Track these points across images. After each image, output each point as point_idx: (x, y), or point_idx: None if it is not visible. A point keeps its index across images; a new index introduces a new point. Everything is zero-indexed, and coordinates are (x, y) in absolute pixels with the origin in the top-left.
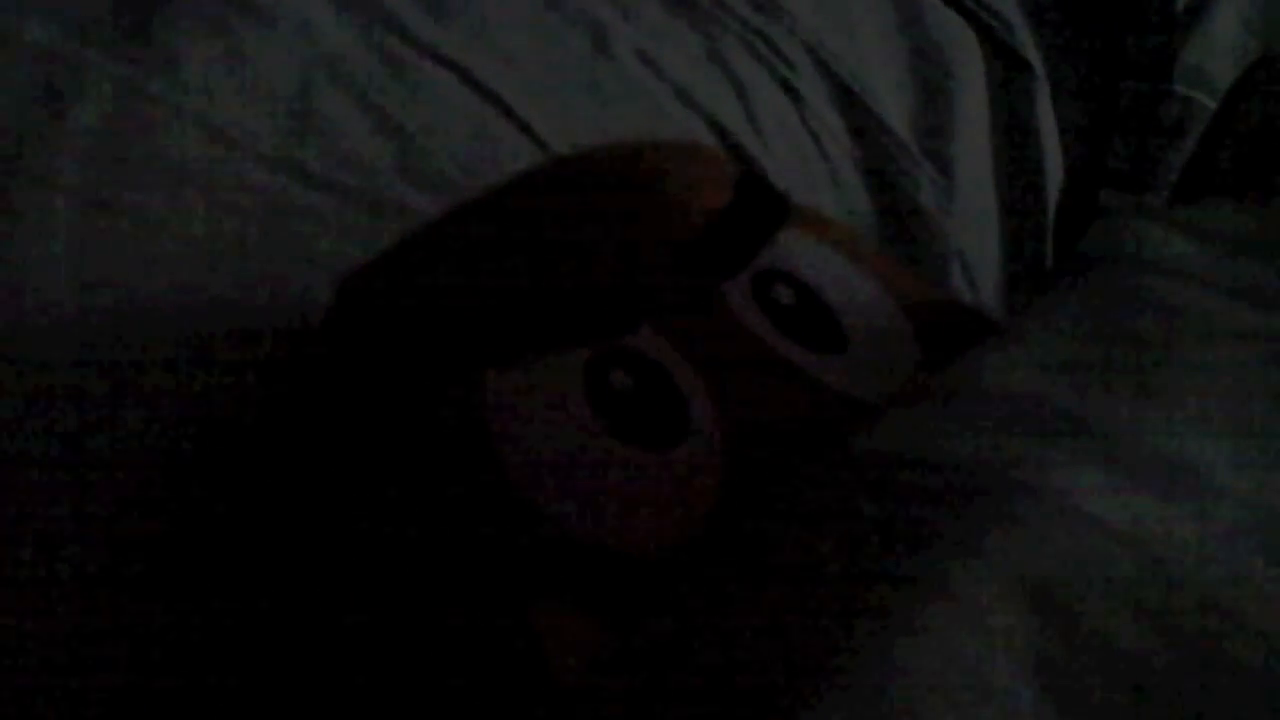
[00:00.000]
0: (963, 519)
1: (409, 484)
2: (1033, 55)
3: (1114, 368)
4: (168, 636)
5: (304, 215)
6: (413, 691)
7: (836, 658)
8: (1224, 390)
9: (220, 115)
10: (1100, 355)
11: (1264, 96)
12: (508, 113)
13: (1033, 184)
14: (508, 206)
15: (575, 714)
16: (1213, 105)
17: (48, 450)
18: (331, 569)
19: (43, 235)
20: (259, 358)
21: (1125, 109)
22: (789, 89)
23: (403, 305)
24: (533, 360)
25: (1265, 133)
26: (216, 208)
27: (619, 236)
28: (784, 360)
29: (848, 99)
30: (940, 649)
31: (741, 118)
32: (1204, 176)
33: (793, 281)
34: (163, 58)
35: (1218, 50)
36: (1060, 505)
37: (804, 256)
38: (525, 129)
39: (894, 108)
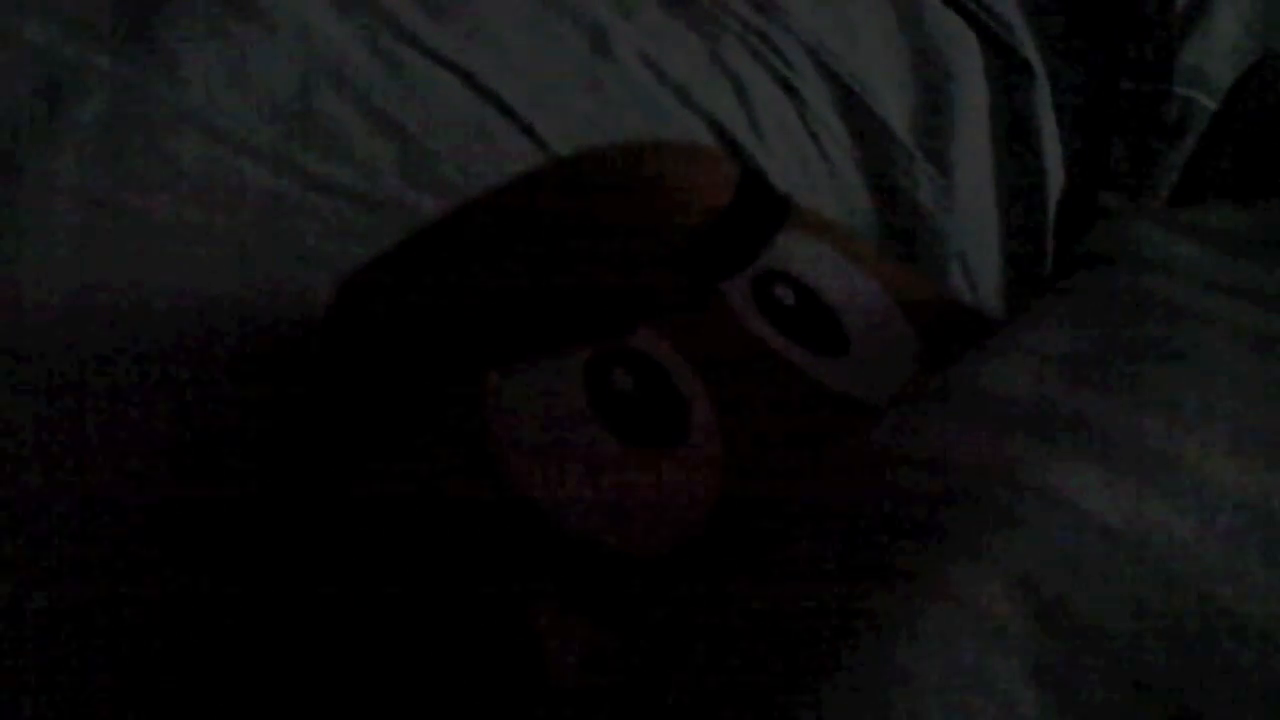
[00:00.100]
0: (963, 519)
1: (409, 483)
2: (1033, 56)
3: (1114, 368)
4: (168, 635)
5: (303, 215)
6: (412, 691)
7: (836, 659)
8: (1224, 390)
9: (220, 115)
10: (1100, 355)
11: (1264, 97)
12: (508, 113)
13: (1033, 184)
14: (508, 207)
15: (574, 714)
16: (1212, 105)
17: (48, 449)
18: (331, 568)
19: (42, 235)
20: (259, 357)
21: (1125, 110)
22: (789, 89)
23: (403, 305)
24: (533, 360)
25: (1265, 133)
26: (216, 207)
27: (619, 237)
28: (784, 361)
29: (848, 100)
30: (940, 650)
31: (741, 118)
32: (1204, 177)
33: (793, 282)
34: (162, 58)
35: (1217, 51)
36: (1060, 505)
37: (805, 257)
38: (525, 129)
39: (894, 108)
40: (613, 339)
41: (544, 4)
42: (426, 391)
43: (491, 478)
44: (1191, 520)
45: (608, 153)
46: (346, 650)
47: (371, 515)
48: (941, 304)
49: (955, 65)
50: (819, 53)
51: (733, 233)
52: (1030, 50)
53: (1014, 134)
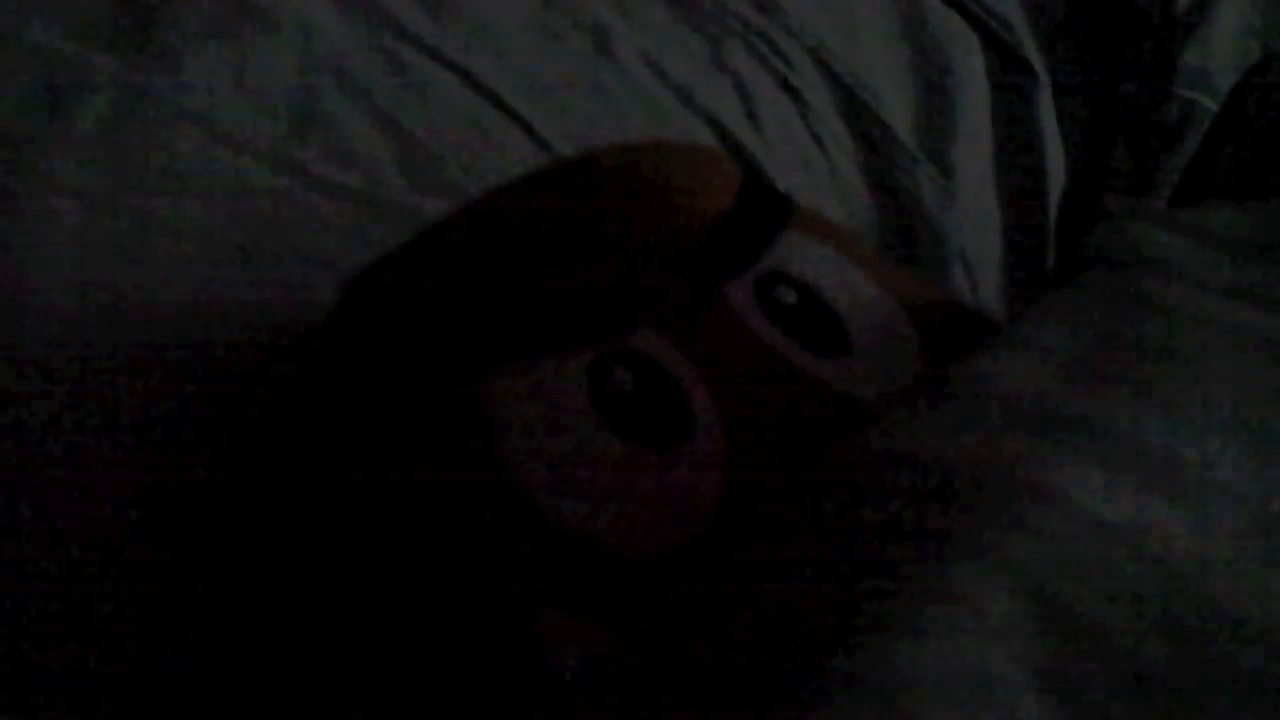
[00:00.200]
0: (965, 520)
1: (412, 483)
2: (1034, 57)
3: (1116, 368)
4: (168, 634)
5: (305, 216)
6: (414, 691)
7: (839, 659)
8: (1225, 390)
9: (222, 116)
10: (1102, 356)
11: (1265, 98)
12: (510, 114)
13: (1034, 186)
14: (510, 208)
15: (576, 714)
16: (1214, 107)
17: (49, 450)
18: (334, 568)
19: (44, 235)
20: (261, 358)
21: (1126, 111)
22: (791, 90)
23: (407, 306)
24: (536, 360)
25: (1266, 134)
26: (217, 208)
27: (622, 238)
28: (786, 362)
29: (849, 100)
30: (943, 650)
31: (743, 119)
32: (1205, 178)
33: (795, 283)
34: (164, 58)
35: (1219, 52)
36: (1062, 505)
37: (806, 258)
38: (527, 130)
39: (896, 109)
40: (615, 339)
41: (545, 4)
42: (429, 392)
43: (494, 478)
44: (1192, 520)
45: (610, 154)
46: (348, 649)
47: (374, 515)
48: (943, 305)
49: (957, 66)
50: (820, 53)
51: (735, 234)
52: (1032, 51)
53: (1015, 135)
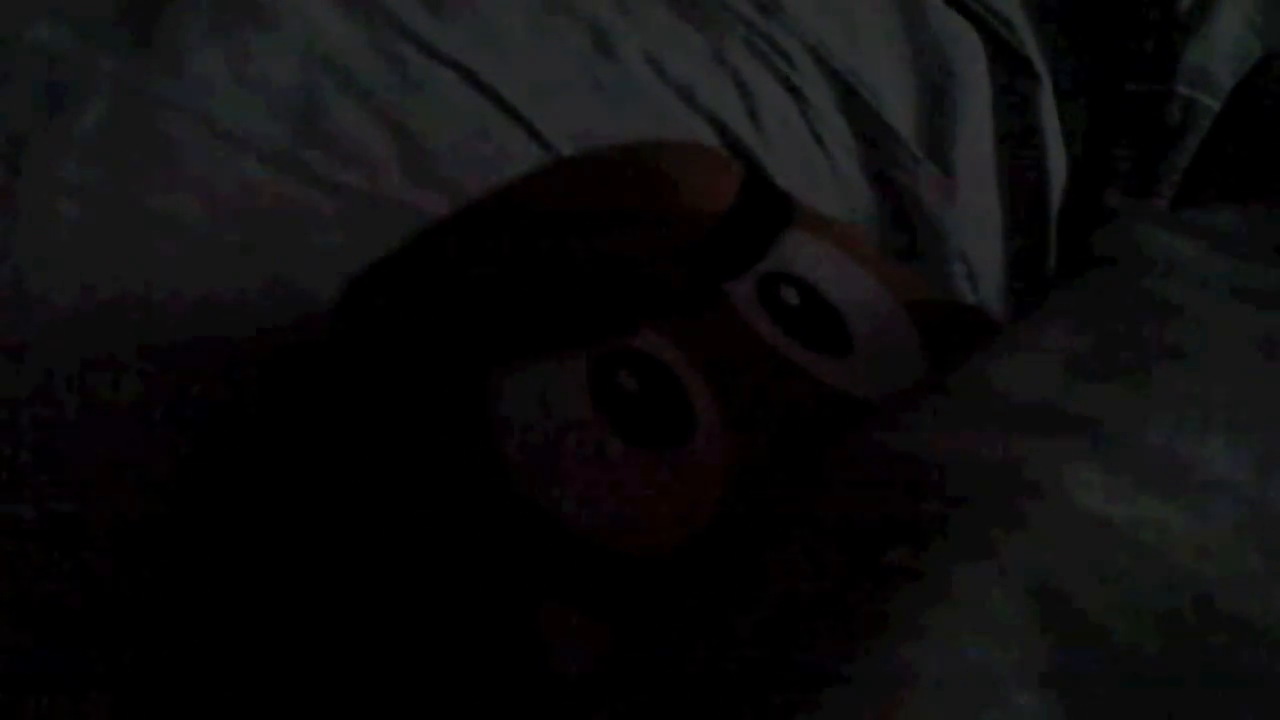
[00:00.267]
0: (967, 518)
1: (413, 482)
2: (1035, 56)
3: (1117, 368)
4: (169, 634)
5: (306, 215)
6: (415, 689)
7: (841, 658)
8: (1225, 390)
9: (223, 115)
10: (1103, 355)
11: (1267, 97)
12: (511, 113)
13: (1035, 185)
14: (512, 207)
15: (578, 713)
16: (1216, 106)
17: (49, 449)
18: (335, 567)
19: (46, 234)
20: (262, 356)
21: (1128, 110)
22: (792, 89)
23: (409, 304)
24: (538, 360)
25: (1268, 134)
26: (219, 207)
27: (624, 237)
28: (788, 361)
29: (850, 100)
30: (943, 648)
31: (744, 118)
32: (1207, 177)
33: (797, 282)
34: (166, 58)
35: (1221, 51)
36: (1064, 504)
37: (808, 258)
38: (529, 129)
39: (897, 108)
40: (617, 339)
41: (547, 3)
42: (431, 391)
43: (495, 477)
44: (1192, 518)
45: (611, 152)
46: (350, 648)
47: (376, 513)
48: (944, 304)
49: (958, 65)
50: (821, 52)
51: (737, 233)
52: (1033, 50)
53: (1017, 134)
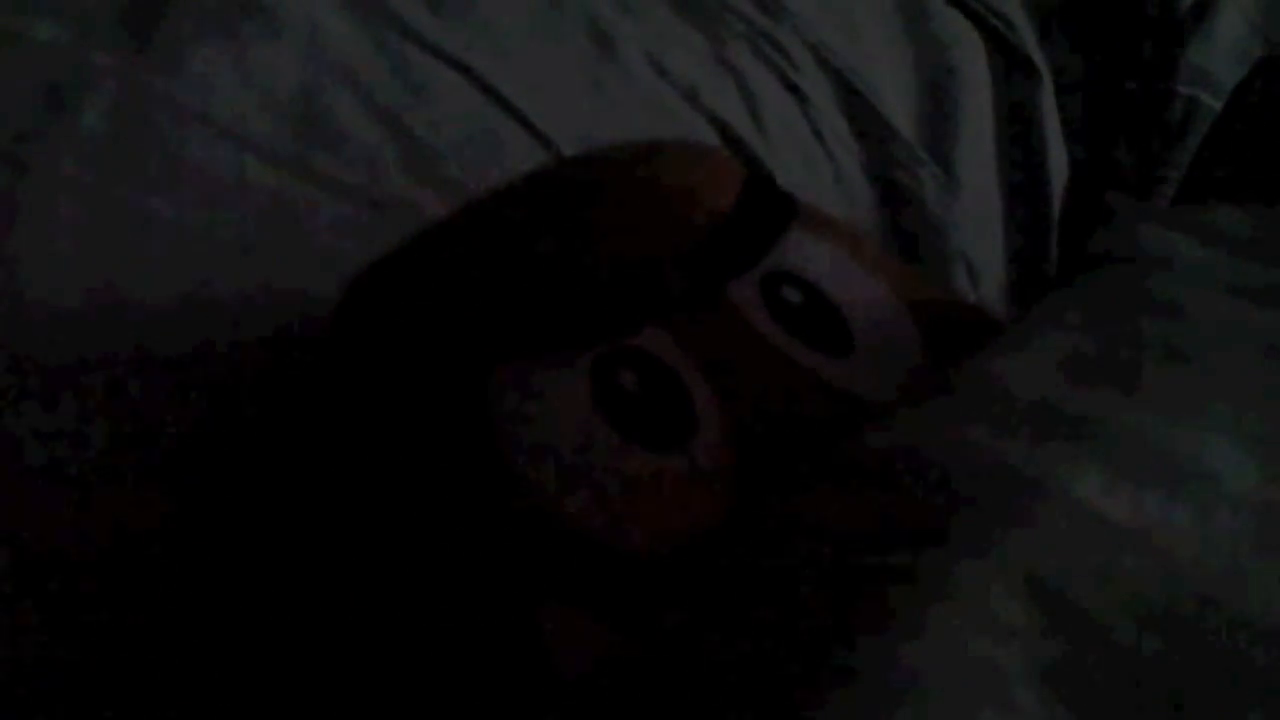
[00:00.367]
0: (968, 517)
1: (415, 482)
2: (1037, 56)
3: (1118, 367)
4: (171, 634)
5: (308, 214)
6: (418, 691)
7: (843, 658)
8: (1227, 389)
9: (225, 114)
10: (1104, 355)
11: (1268, 96)
12: (513, 112)
13: (1037, 184)
14: (514, 206)
15: (578, 711)
16: (1217, 105)
17: (50, 449)
18: (337, 567)
19: (47, 234)
20: (263, 356)
21: (1129, 109)
22: (794, 89)
23: (410, 304)
24: (539, 359)
25: (1269, 133)
26: (221, 206)
27: (625, 237)
28: (790, 361)
29: (852, 99)
30: (945, 647)
31: (746, 118)
32: (1208, 176)
33: (799, 282)
34: (168, 57)
35: (1221, 50)
36: (1065, 504)
37: (811, 257)
38: (530, 129)
39: (898, 108)
40: (619, 339)
41: (549, 3)
42: (433, 390)
43: (497, 476)
44: (1193, 517)
45: (613, 152)
46: (352, 648)
47: (377, 513)
48: (946, 303)
49: (959, 64)
50: (823, 52)
51: (739, 233)
52: (1034, 49)
53: (1018, 133)
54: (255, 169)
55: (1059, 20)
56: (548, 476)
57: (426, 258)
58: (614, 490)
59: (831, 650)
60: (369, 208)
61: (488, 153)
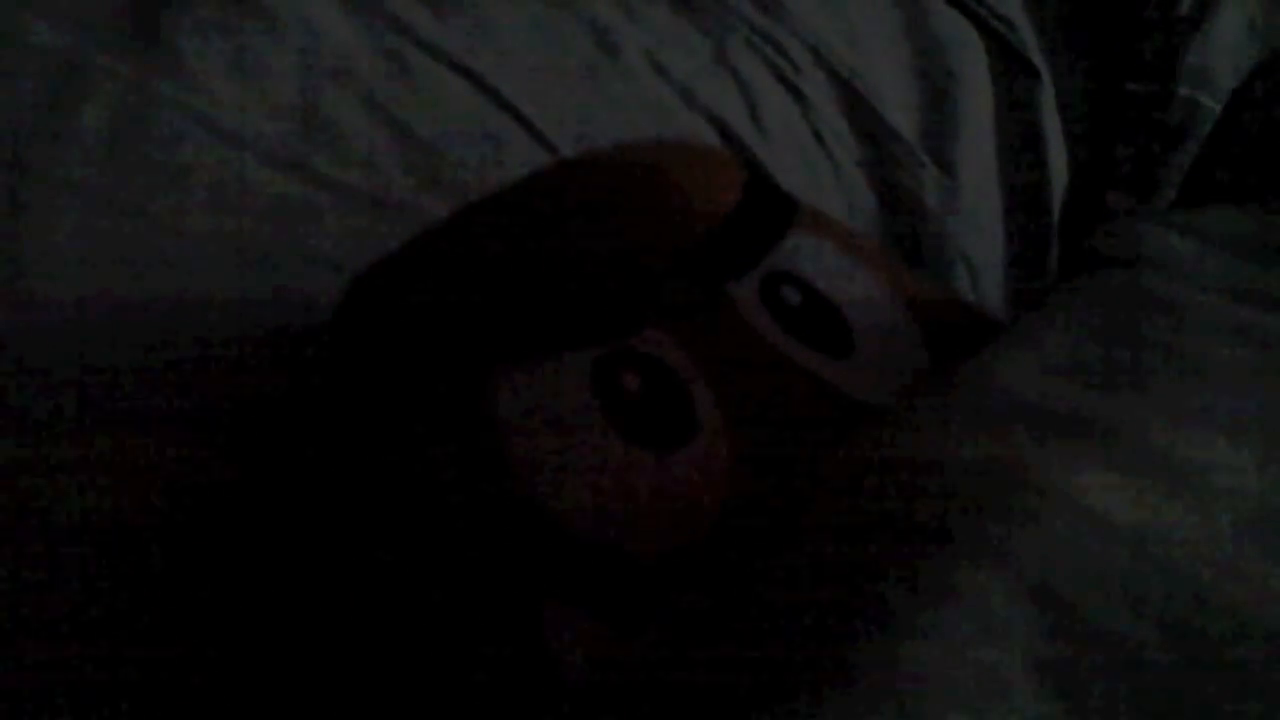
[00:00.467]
0: (968, 518)
1: (416, 482)
2: (1037, 57)
3: (1118, 368)
4: (172, 635)
5: (309, 215)
6: (419, 689)
7: (844, 659)
8: (1226, 390)
9: (226, 116)
10: (1104, 355)
11: (1268, 98)
12: (513, 114)
13: (1037, 185)
14: (515, 207)
15: (580, 712)
16: (1217, 107)
17: (50, 449)
18: (338, 567)
19: (49, 234)
20: (265, 357)
21: (1129, 111)
22: (794, 90)
23: (412, 305)
24: (541, 360)
25: (1270, 135)
26: (222, 208)
27: (626, 237)
28: (791, 362)
29: (852, 100)
30: (946, 648)
31: (746, 119)
32: (1209, 178)
33: (800, 283)
34: (169, 59)
35: (1221, 52)
36: (1066, 504)
37: (811, 258)
38: (531, 130)
39: (898, 109)
40: (619, 340)
41: (549, 3)
42: (435, 391)
43: (498, 477)
44: (1195, 518)
45: (613, 153)
46: (353, 648)
47: (379, 514)
48: (946, 304)
49: (959, 66)
50: (823, 52)
51: (739, 233)
52: (1034, 51)
53: (1018, 135)
54: (255, 170)
55: (1059, 21)
56: (548, 477)
57: (428, 258)
58: (614, 491)
59: (831, 651)
60: (369, 208)
61: (488, 153)
